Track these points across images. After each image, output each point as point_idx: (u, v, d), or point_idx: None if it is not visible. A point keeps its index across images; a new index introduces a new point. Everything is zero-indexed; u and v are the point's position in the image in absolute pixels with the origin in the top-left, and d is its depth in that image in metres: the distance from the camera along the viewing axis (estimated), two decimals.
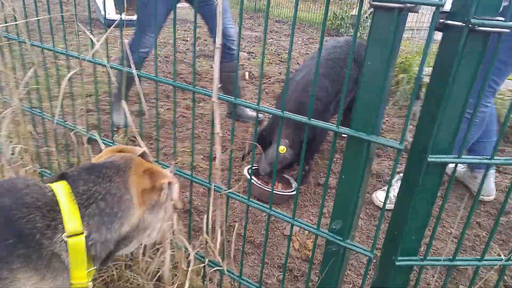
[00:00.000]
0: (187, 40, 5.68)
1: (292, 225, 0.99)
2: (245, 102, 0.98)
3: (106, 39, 1.14)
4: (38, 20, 1.30)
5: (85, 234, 0.74)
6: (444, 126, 0.79)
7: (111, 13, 5.64)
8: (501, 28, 0.69)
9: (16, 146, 1.47)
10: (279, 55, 5.38)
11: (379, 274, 0.97)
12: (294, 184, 2.09)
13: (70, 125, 1.39)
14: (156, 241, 1.07)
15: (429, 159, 0.79)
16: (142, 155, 0.96)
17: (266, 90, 3.80)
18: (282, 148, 1.83)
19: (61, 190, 0.75)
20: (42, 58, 1.40)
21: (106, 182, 0.81)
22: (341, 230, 0.91)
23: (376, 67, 0.77)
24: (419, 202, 0.84)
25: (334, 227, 0.92)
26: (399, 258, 0.89)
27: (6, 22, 1.36)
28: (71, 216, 0.73)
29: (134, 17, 3.50)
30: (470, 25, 0.69)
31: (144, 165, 0.90)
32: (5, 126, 1.41)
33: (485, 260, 0.91)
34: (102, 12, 5.67)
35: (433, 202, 0.85)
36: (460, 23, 0.71)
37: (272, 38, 6.70)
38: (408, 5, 0.70)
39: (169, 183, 0.88)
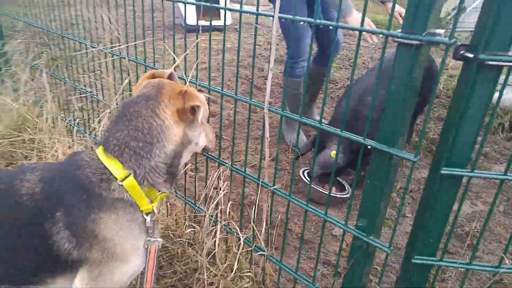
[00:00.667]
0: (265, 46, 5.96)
1: (344, 231, 1.12)
2: (307, 119, 1.12)
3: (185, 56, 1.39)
4: (135, 36, 1.62)
5: (131, 174, 0.95)
6: (459, 142, 0.89)
7: (192, 19, 6.12)
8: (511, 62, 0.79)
9: None
10: (349, 59, 5.41)
11: (401, 271, 1.09)
12: (348, 188, 2.21)
13: None
14: (210, 149, 1.19)
15: (442, 171, 0.90)
16: (170, 77, 1.11)
17: (332, 95, 3.91)
18: (333, 153, 1.97)
19: (99, 153, 0.97)
20: (135, 69, 1.73)
21: (133, 121, 0.96)
22: (366, 227, 1.05)
23: (399, 91, 0.90)
24: (434, 211, 0.95)
25: (360, 224, 1.06)
26: (416, 257, 1.00)
27: (112, 42, 1.71)
28: (114, 167, 0.95)
29: (211, 23, 3.83)
30: (479, 60, 0.80)
31: (178, 88, 1.02)
32: (103, 123, 1.76)
33: (502, 267, 0.99)
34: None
35: (448, 212, 0.95)
36: (471, 56, 0.82)
37: (345, 42, 6.71)
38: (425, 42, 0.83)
39: (197, 106, 0.99)
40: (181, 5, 6.45)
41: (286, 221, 1.32)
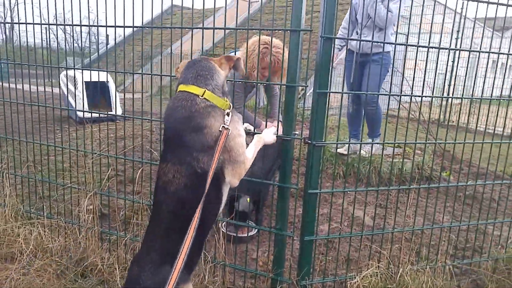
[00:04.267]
0: None
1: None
2: None
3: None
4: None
5: (205, 89, 1.55)
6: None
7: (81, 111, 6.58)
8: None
9: None
10: None
11: (300, 247, 2.10)
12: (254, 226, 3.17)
13: None
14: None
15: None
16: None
17: None
18: (248, 199, 2.95)
19: (181, 88, 1.58)
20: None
21: (198, 64, 1.61)
22: (279, 228, 2.04)
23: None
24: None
25: (277, 227, 2.05)
26: (306, 237, 2.04)
27: None
28: (194, 89, 1.54)
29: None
30: (313, 144, 1.95)
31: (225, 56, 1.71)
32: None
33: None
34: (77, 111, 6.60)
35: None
36: (309, 142, 1.97)
37: None
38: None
39: (237, 59, 1.69)
40: (70, 98, 6.92)
41: None
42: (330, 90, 2.01)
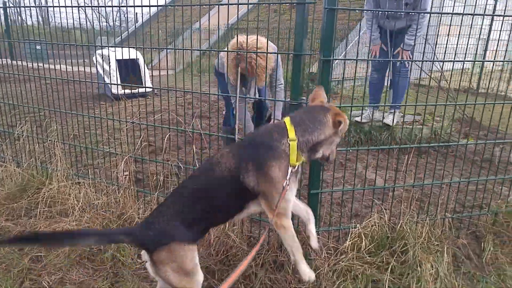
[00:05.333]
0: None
1: None
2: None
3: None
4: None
5: (296, 140, 1.70)
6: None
7: (116, 88, 7.02)
8: None
9: None
10: None
11: (308, 199, 2.38)
12: None
13: None
14: (330, 160, 1.91)
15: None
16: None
17: None
18: None
19: (287, 121, 1.76)
20: None
21: (312, 113, 1.76)
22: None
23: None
24: (314, 167, 2.28)
25: None
26: (312, 190, 2.30)
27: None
28: (291, 132, 1.71)
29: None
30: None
31: (337, 111, 1.77)
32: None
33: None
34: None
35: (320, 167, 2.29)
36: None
37: None
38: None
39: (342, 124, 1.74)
40: (106, 77, 7.39)
41: None
42: (333, 57, 2.21)
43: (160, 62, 7.89)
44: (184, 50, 9.84)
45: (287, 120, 1.78)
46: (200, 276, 1.74)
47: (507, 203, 2.79)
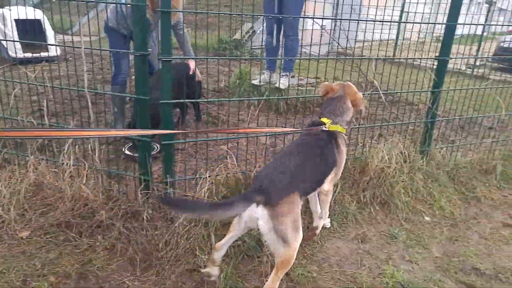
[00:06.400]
0: None
1: None
2: None
3: None
4: None
5: (331, 121, 2.19)
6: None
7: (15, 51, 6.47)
8: None
9: None
10: None
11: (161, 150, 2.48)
12: (157, 146, 3.53)
13: None
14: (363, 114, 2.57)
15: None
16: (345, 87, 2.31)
17: None
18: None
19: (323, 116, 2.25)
20: None
21: (337, 102, 2.25)
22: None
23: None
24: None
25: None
26: (163, 141, 2.40)
27: None
28: (326, 120, 2.20)
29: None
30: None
31: (353, 91, 2.29)
32: None
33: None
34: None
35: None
36: None
37: None
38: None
39: (361, 102, 2.30)
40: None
41: None
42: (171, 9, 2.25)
43: (81, 28, 7.36)
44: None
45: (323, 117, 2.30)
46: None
47: (355, 150, 3.13)
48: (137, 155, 2.68)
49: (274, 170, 1.90)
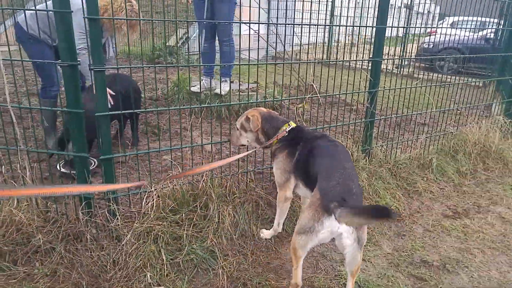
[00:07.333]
0: None
1: None
2: None
3: None
4: None
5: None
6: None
7: None
8: None
9: None
10: None
11: (101, 164, 2.29)
12: (94, 161, 3.28)
13: None
14: None
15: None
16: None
17: None
18: None
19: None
20: None
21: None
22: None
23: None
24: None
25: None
26: (101, 156, 2.22)
27: None
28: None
29: None
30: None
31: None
32: None
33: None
34: None
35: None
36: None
37: None
38: None
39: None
40: None
41: None
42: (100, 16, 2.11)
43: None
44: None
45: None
46: None
47: None
48: (74, 171, 2.46)
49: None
